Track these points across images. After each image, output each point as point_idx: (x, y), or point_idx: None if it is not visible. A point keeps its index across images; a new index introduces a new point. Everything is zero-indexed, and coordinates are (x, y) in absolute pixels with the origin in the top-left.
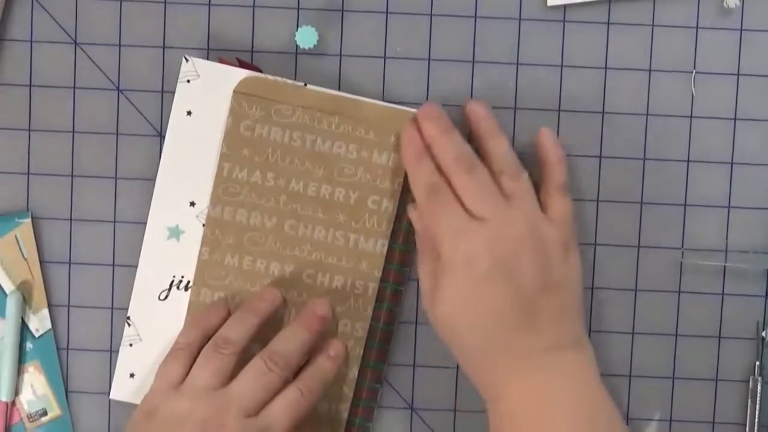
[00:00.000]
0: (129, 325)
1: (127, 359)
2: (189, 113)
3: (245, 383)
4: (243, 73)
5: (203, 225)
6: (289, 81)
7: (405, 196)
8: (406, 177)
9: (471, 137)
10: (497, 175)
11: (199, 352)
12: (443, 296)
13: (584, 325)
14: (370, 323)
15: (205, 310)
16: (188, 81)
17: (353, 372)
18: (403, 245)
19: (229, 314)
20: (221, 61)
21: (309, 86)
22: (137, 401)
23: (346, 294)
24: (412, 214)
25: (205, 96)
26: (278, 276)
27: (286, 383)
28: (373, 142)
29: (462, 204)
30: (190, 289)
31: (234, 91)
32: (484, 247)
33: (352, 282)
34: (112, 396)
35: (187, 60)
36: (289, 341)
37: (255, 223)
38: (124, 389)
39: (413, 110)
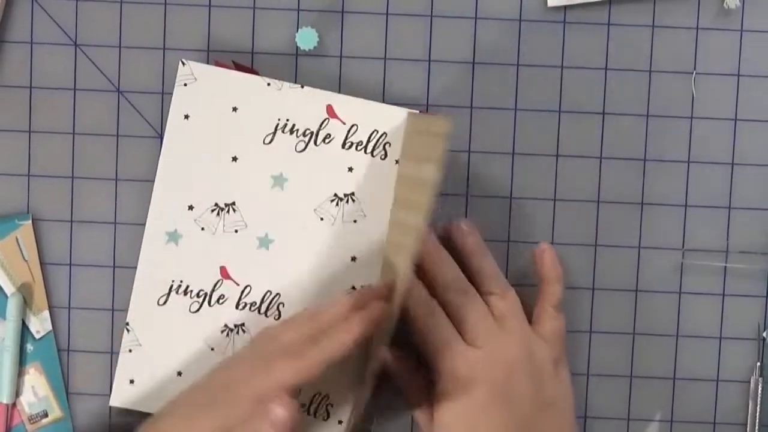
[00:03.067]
0: (128, 330)
1: (126, 365)
2: (186, 117)
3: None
4: (240, 76)
5: (202, 229)
6: None
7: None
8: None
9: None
10: (486, 296)
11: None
12: (443, 421)
13: None
14: None
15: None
16: (185, 84)
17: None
18: None
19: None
20: (217, 63)
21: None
22: (137, 408)
23: None
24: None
25: (203, 99)
26: None
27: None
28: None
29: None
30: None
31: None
32: (481, 373)
33: None
34: (111, 402)
35: (183, 63)
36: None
37: None
38: (124, 395)
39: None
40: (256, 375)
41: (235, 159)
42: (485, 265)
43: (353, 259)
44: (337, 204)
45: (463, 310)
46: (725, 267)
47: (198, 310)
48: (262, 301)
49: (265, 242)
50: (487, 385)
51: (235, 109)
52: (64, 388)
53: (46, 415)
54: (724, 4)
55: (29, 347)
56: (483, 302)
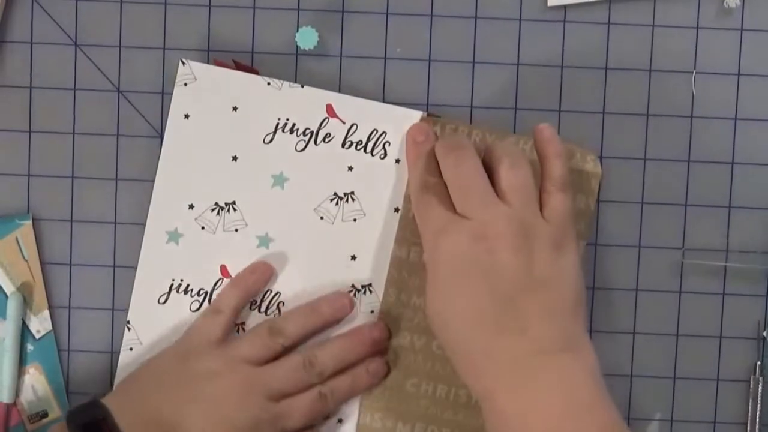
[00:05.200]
0: (129, 329)
1: (127, 363)
2: (186, 116)
3: (279, 372)
4: (240, 76)
5: (202, 228)
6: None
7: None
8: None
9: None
10: (496, 165)
11: (238, 314)
12: (428, 295)
13: (581, 328)
14: None
15: (249, 272)
16: (185, 84)
17: None
18: None
19: (270, 276)
20: (217, 63)
21: (486, 128)
22: None
23: None
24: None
25: (203, 99)
26: None
27: (312, 386)
28: None
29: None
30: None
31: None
32: (463, 246)
33: None
34: None
35: (183, 63)
36: (334, 355)
37: None
38: None
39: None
40: None
41: (235, 158)
42: (501, 138)
43: (353, 258)
44: (336, 203)
45: (456, 177)
46: (725, 267)
47: (198, 308)
48: (261, 300)
49: (265, 241)
50: (467, 257)
51: (235, 108)
52: (64, 387)
53: (46, 414)
54: (724, 4)
55: (29, 347)
56: (482, 171)
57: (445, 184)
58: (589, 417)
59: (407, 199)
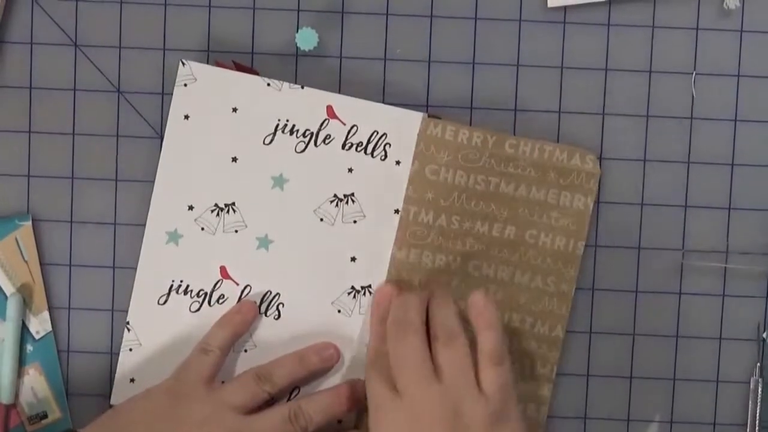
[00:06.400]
0: (128, 330)
1: (127, 364)
2: (186, 117)
3: (265, 424)
4: (240, 77)
5: (202, 229)
6: (466, 126)
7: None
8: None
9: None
10: (432, 341)
11: (226, 353)
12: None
13: None
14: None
15: (235, 312)
16: (185, 85)
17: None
18: None
19: (256, 314)
20: (218, 64)
21: (487, 130)
22: None
23: (533, 336)
24: None
25: (203, 99)
26: (463, 317)
27: None
28: (561, 185)
29: None
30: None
31: (420, 134)
32: (399, 425)
33: (538, 327)
34: (113, 401)
35: (183, 64)
36: (322, 408)
37: (440, 265)
38: (124, 394)
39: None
40: None
41: (235, 159)
42: (439, 310)
43: (353, 259)
44: (336, 204)
45: (397, 352)
46: (725, 267)
47: (198, 309)
48: (261, 301)
49: (264, 242)
50: None
51: (235, 109)
52: (63, 388)
53: (45, 415)
54: (724, 5)
55: (29, 348)
56: (424, 348)
57: None
58: None
59: (407, 200)
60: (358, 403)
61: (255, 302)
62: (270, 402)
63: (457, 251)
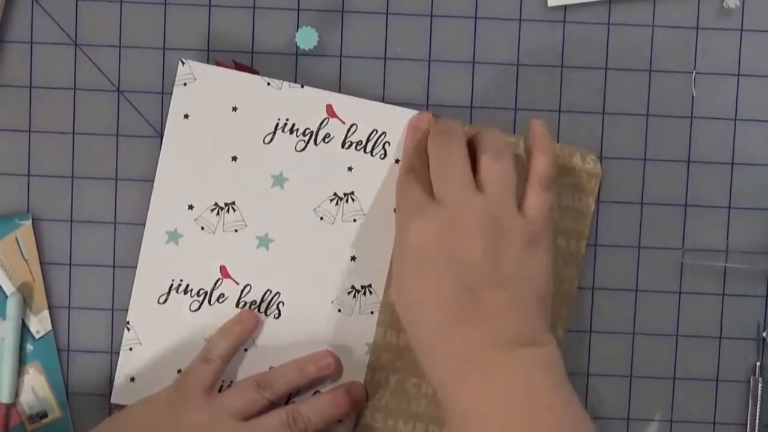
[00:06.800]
0: (128, 329)
1: (127, 363)
2: (186, 116)
3: (265, 428)
4: (239, 76)
5: (201, 228)
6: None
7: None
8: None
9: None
10: (479, 154)
11: (227, 363)
12: (395, 277)
13: (544, 324)
14: None
15: (235, 322)
16: (185, 84)
17: None
18: None
19: (256, 324)
20: (218, 63)
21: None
22: None
23: None
24: None
25: (202, 99)
26: None
27: None
28: (562, 184)
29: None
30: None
31: None
32: (433, 230)
33: None
34: (113, 400)
35: (183, 63)
36: (320, 411)
37: None
38: (124, 393)
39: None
40: None
41: (234, 158)
42: (489, 133)
43: (353, 258)
44: (336, 203)
45: (437, 160)
46: (725, 267)
47: (198, 308)
48: (262, 300)
49: (264, 241)
50: (435, 243)
51: (234, 108)
52: (63, 388)
53: (45, 415)
54: (724, 4)
55: (29, 347)
56: (465, 159)
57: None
58: (547, 417)
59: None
60: (356, 404)
61: (256, 312)
62: (269, 409)
63: None
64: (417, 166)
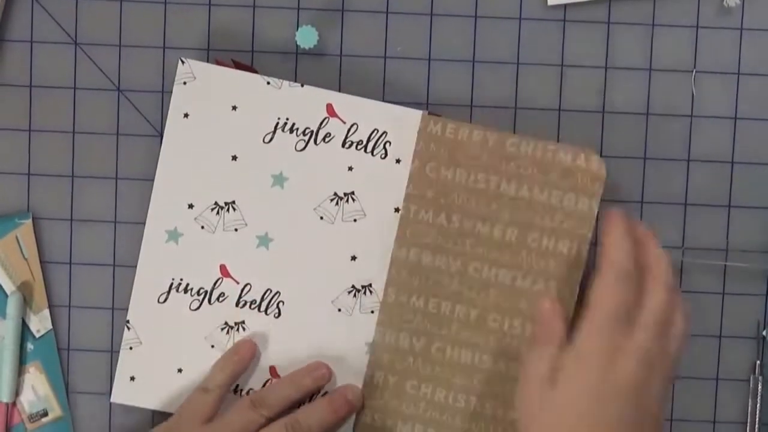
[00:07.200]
0: (129, 328)
1: (127, 362)
2: (186, 115)
3: None
4: (239, 75)
5: (201, 227)
6: (467, 124)
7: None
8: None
9: None
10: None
11: (226, 392)
12: (563, 387)
13: None
14: None
15: (233, 353)
16: (185, 83)
17: None
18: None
19: (254, 353)
20: (217, 62)
21: (487, 128)
22: (138, 404)
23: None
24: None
25: (202, 98)
26: (463, 319)
27: None
28: (564, 186)
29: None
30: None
31: (420, 131)
32: (632, 355)
33: None
34: (113, 399)
35: (183, 62)
36: (318, 419)
37: (440, 265)
38: (125, 392)
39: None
40: None
41: (234, 158)
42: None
43: (353, 258)
44: (336, 203)
45: (656, 299)
46: (725, 266)
47: (198, 307)
48: (262, 299)
49: (264, 241)
50: (634, 367)
51: (234, 107)
52: (64, 387)
53: (46, 414)
54: (724, 3)
55: (29, 346)
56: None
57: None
58: None
59: (407, 199)
60: (353, 408)
61: (253, 342)
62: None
63: (457, 252)
64: (631, 275)
